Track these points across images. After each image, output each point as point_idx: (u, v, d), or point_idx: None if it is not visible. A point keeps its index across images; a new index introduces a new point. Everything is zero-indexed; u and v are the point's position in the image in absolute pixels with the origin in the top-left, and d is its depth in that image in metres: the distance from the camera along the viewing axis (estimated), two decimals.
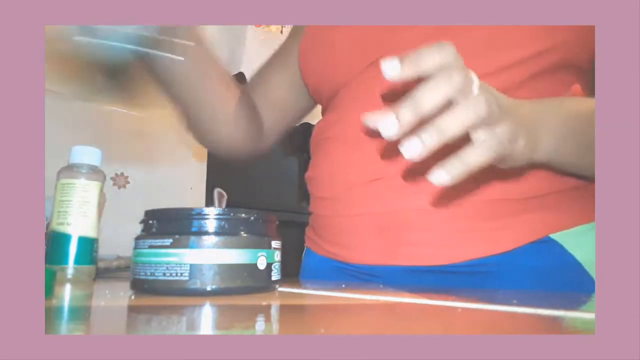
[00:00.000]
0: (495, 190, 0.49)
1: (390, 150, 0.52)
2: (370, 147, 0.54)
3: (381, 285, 0.48)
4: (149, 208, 0.39)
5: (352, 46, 0.57)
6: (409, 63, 0.33)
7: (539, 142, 0.41)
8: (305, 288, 0.46)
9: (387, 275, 0.54)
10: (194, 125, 0.64)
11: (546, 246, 0.49)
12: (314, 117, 0.72)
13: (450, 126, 0.33)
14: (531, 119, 0.41)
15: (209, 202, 1.34)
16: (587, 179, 0.51)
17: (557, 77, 0.51)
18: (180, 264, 0.35)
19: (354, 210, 0.55)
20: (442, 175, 0.34)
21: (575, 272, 0.49)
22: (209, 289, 0.35)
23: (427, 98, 0.33)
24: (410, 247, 0.52)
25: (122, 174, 1.16)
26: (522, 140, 0.39)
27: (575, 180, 0.51)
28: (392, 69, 0.33)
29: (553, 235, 0.50)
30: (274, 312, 0.31)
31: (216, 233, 0.36)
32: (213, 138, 0.66)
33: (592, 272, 0.49)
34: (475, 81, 0.35)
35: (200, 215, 0.37)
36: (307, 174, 0.65)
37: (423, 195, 0.51)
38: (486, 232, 0.50)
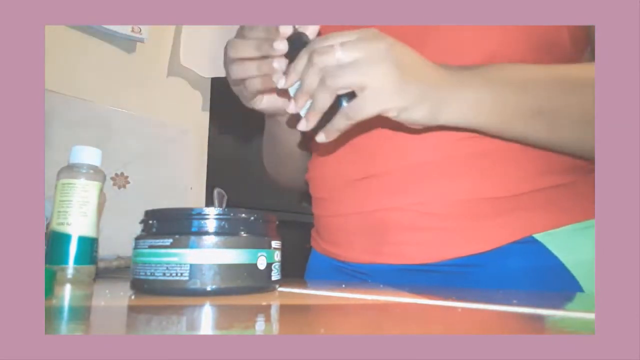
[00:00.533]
0: (480, 189, 0.49)
1: (377, 149, 0.53)
2: (359, 146, 0.54)
3: (381, 285, 0.48)
4: (149, 208, 0.39)
5: None
6: (290, 75, 0.43)
7: (445, 104, 0.42)
8: (305, 288, 0.46)
9: (375, 273, 0.54)
10: (280, 163, 0.71)
11: (530, 246, 0.48)
12: None
13: (319, 102, 0.42)
14: (442, 81, 0.42)
15: (209, 202, 1.34)
16: (586, 157, 0.49)
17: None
18: (180, 264, 0.35)
19: (344, 209, 0.56)
20: (320, 136, 0.44)
21: (558, 274, 0.48)
22: (209, 289, 0.35)
23: (304, 89, 0.42)
24: (394, 246, 0.52)
25: (122, 174, 1.16)
26: (415, 99, 0.41)
27: (561, 177, 0.50)
28: (282, 84, 0.44)
29: (537, 236, 0.48)
30: (273, 312, 0.31)
31: (216, 233, 0.36)
32: (292, 176, 0.72)
33: (576, 273, 0.47)
34: (339, 58, 0.40)
35: (200, 215, 0.37)
36: (307, 175, 0.65)
37: (406, 194, 0.51)
38: (469, 231, 0.49)
